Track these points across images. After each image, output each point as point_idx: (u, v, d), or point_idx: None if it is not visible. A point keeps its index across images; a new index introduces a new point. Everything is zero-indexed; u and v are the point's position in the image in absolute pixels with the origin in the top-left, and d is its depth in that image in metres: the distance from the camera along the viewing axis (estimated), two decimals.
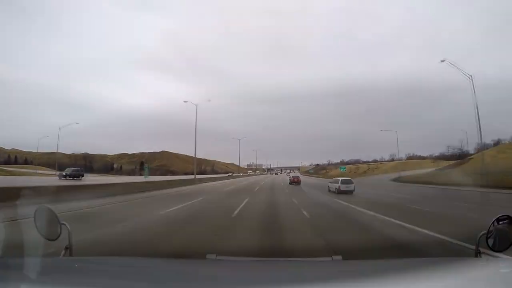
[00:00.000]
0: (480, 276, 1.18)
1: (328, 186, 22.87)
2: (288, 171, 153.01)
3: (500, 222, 1.39)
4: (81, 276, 1.17)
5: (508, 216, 1.38)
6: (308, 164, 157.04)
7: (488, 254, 1.44)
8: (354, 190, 19.98)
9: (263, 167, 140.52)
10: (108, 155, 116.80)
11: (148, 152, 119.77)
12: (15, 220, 5.25)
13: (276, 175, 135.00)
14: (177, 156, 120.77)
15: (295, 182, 34.57)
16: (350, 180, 21.40)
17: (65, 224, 1.43)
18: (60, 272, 1.21)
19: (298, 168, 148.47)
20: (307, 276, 1.31)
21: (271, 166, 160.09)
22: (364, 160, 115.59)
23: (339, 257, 1.62)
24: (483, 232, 1.43)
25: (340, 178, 21.92)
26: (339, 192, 19.70)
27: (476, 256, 1.41)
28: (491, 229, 1.41)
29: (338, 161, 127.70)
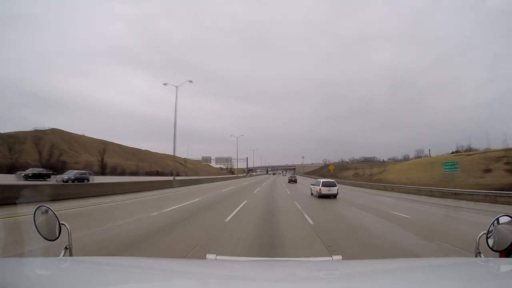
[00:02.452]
0: (480, 276, 1.18)
1: (311, 189, 20.65)
2: (287, 171, 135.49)
3: (500, 222, 1.40)
4: (81, 276, 1.17)
5: (508, 216, 1.39)
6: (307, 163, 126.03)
7: (488, 254, 1.44)
8: (337, 194, 17.95)
9: (232, 165, 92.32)
10: None
11: (23, 131, 62.51)
12: None
13: (274, 175, 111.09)
14: (74, 138, 70.23)
15: (292, 181, 43.12)
16: (333, 182, 18.77)
17: (65, 224, 1.44)
18: (60, 272, 1.20)
19: (293, 168, 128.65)
20: (307, 276, 1.31)
21: (252, 166, 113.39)
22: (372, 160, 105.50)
23: (339, 257, 1.62)
24: (483, 232, 1.43)
25: (321, 180, 19.17)
26: (320, 196, 17.56)
27: (476, 256, 1.42)
28: (491, 229, 1.42)
29: (338, 161, 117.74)
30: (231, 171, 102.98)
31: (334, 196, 17.73)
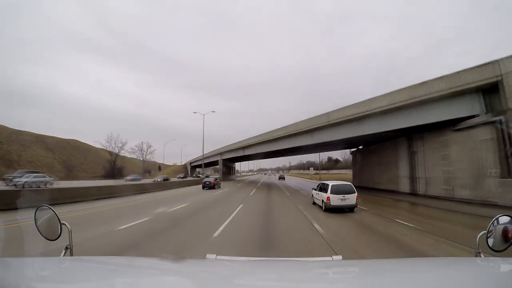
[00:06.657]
0: (480, 276, 1.18)
1: (312, 196, 14.32)
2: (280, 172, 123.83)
3: (500, 222, 1.40)
4: (81, 276, 1.17)
5: (508, 216, 1.39)
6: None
7: (488, 254, 1.44)
8: (356, 206, 11.50)
9: (147, 157, 61.57)
10: None
11: None
12: None
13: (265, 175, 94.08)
14: None
15: (281, 178, 54.23)
16: (350, 185, 11.86)
17: (65, 224, 1.44)
18: (60, 272, 1.21)
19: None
20: (307, 276, 1.31)
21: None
22: None
23: (339, 257, 1.62)
24: (483, 232, 1.43)
25: (330, 183, 11.96)
26: (328, 208, 11.39)
27: (476, 256, 1.42)
28: (491, 229, 1.42)
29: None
30: (148, 170, 62.46)
31: (350, 209, 11.60)
